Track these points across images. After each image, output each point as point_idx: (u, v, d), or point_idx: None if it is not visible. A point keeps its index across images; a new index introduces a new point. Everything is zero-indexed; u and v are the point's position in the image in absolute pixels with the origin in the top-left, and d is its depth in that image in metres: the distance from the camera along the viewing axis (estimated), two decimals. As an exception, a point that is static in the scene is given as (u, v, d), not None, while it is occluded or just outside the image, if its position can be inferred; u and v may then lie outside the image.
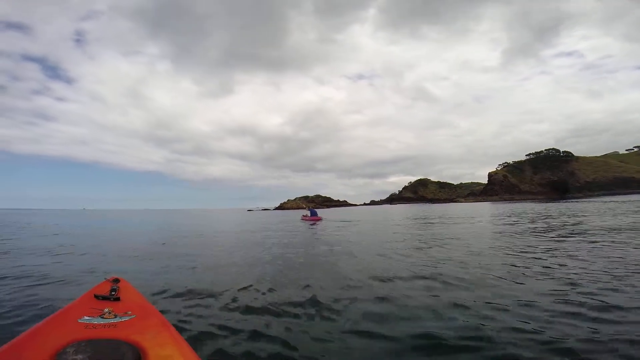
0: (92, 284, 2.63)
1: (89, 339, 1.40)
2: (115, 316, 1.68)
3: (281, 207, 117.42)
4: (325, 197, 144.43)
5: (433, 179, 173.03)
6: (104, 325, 1.57)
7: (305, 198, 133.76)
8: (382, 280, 4.27)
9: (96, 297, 1.93)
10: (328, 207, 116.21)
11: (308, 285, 4.04)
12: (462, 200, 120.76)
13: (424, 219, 19.54)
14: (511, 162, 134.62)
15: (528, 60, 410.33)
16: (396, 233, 11.32)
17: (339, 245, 8.18)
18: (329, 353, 2.31)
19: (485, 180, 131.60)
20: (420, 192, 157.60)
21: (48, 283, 4.34)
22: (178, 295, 3.71)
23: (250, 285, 4.07)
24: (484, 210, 29.92)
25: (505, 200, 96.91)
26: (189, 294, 3.74)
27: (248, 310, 3.13)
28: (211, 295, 3.67)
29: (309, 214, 22.81)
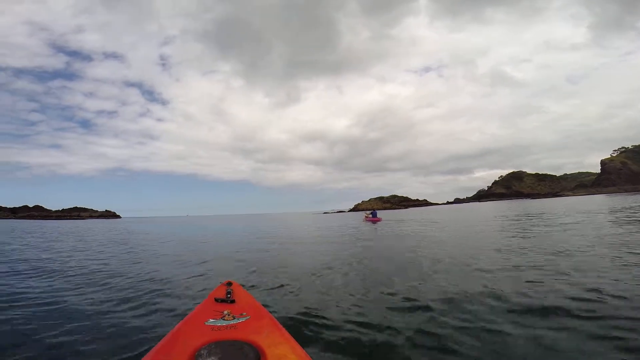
0: (208, 287, 4.07)
1: (217, 340, 1.53)
2: (234, 318, 1.80)
3: (355, 208, 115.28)
4: (402, 196, 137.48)
5: (528, 170, 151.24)
6: (226, 327, 1.69)
7: (380, 199, 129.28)
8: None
9: (216, 300, 2.08)
10: (406, 207, 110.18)
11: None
12: (570, 193, 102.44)
13: (525, 217, 15.81)
14: (630, 147, 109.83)
15: (625, 34, 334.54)
16: (486, 236, 8.65)
17: (414, 252, 6.49)
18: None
19: (596, 169, 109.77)
20: (515, 186, 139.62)
21: (175, 287, 4.55)
22: (280, 295, 3.84)
23: (341, 284, 4.27)
24: (602, 204, 23.45)
25: (626, 191, 79.45)
26: (289, 294, 3.86)
27: (347, 309, 3.18)
28: (309, 296, 3.75)
29: (371, 215, 25.86)
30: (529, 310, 2.90)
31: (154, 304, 3.65)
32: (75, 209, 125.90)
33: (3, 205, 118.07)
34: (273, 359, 1.41)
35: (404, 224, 18.08)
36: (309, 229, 18.10)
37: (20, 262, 6.98)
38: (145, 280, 4.97)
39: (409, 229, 13.74)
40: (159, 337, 1.70)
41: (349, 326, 2.75)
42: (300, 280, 4.65)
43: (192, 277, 5.20)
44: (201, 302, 2.11)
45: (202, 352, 1.42)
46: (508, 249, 6.34)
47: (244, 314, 1.85)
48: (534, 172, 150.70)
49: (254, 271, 5.55)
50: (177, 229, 24.20)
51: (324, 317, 2.97)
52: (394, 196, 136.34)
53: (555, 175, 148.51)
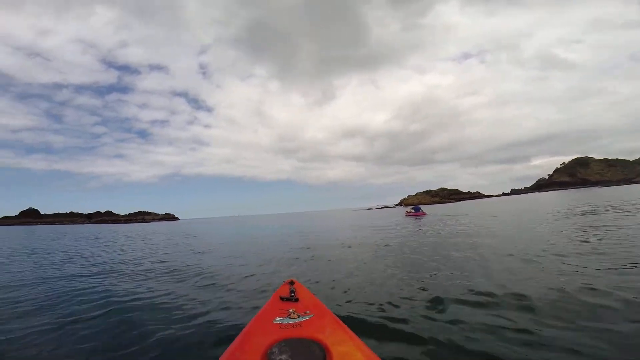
0: (271, 285, 4.40)
1: (285, 338, 1.56)
2: (299, 316, 1.83)
3: (402, 203, 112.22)
4: (451, 189, 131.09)
5: (595, 156, 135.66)
6: (293, 325, 1.72)
7: (428, 193, 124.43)
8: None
9: (281, 298, 2.14)
10: (456, 200, 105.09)
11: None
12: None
13: (606, 208, 13.91)
14: None
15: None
16: (562, 232, 7.80)
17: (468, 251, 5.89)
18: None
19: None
20: (581, 173, 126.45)
21: (241, 286, 4.71)
22: (339, 294, 3.85)
23: (393, 284, 4.17)
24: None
25: None
26: (345, 294, 3.84)
27: (397, 307, 3.19)
28: (365, 295, 3.73)
29: (413, 210, 25.66)
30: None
31: (226, 302, 3.84)
32: (140, 212, 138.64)
33: (80, 212, 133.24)
34: (339, 356, 1.43)
35: (454, 219, 17.09)
36: (350, 225, 17.73)
37: (98, 264, 7.68)
38: (214, 279, 5.18)
39: (459, 224, 12.92)
40: (235, 335, 1.77)
41: (402, 324, 2.79)
42: (348, 276, 4.83)
43: (255, 275, 5.43)
44: (267, 301, 2.18)
45: (273, 349, 1.46)
46: (599, 248, 5.61)
47: (308, 312, 1.90)
48: (601, 158, 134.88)
49: (306, 269, 5.76)
50: (231, 229, 25.25)
51: (380, 315, 3.01)
52: (443, 189, 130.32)
53: (629, 160, 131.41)
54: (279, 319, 1.81)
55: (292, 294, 2.17)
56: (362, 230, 14.57)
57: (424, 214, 23.90)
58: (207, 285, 4.89)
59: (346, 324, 1.82)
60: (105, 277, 5.91)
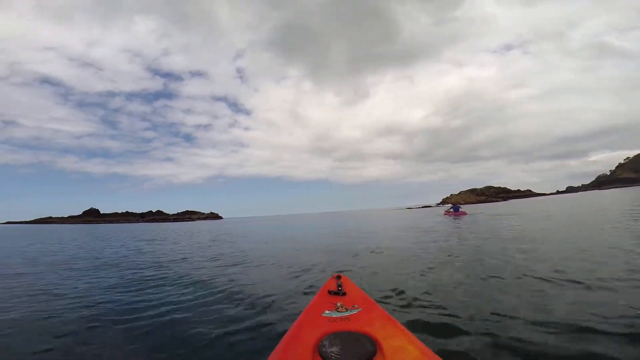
0: (317, 279, 4.61)
1: (335, 331, 1.57)
2: (347, 310, 1.84)
3: (444, 202, 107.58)
4: (498, 187, 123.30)
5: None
6: (341, 319, 1.74)
7: (473, 191, 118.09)
8: None
9: (329, 292, 2.17)
10: (504, 199, 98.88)
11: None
12: None
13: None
14: None
15: None
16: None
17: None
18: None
19: None
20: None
21: (291, 281, 4.87)
22: (384, 290, 3.82)
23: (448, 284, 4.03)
24: None
25: None
26: (391, 291, 3.80)
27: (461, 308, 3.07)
28: (408, 293, 3.67)
29: (452, 210, 25.28)
30: None
31: (275, 297, 3.92)
32: (187, 212, 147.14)
33: (134, 211, 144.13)
34: (390, 350, 1.41)
35: (502, 219, 15.94)
36: (388, 225, 17.28)
37: (154, 265, 8.10)
38: (262, 275, 5.22)
39: (507, 225, 11.94)
40: (286, 328, 1.83)
41: (452, 320, 2.79)
42: (392, 274, 4.83)
43: (300, 271, 5.57)
44: (315, 295, 2.23)
45: (324, 342, 1.48)
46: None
47: (356, 306, 1.91)
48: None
49: (348, 265, 5.83)
50: (272, 228, 25.79)
51: (429, 312, 3.01)
52: (489, 187, 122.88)
53: None
54: (327, 312, 1.84)
55: (340, 288, 2.20)
56: (399, 229, 14.37)
57: (464, 214, 23.20)
58: (255, 281, 4.95)
59: (396, 319, 1.79)
60: (160, 273, 6.20)
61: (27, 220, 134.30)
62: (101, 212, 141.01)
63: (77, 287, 5.07)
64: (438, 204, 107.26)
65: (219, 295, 4.21)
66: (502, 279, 4.06)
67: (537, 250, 6.06)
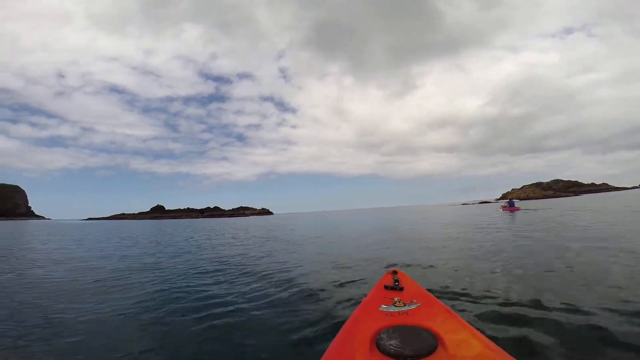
0: (375, 273, 4.58)
1: (392, 325, 1.56)
2: (405, 304, 1.81)
3: (505, 197, 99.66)
4: (568, 181, 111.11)
5: None
6: (399, 313, 1.72)
7: (538, 185, 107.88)
8: None
9: (385, 287, 2.14)
10: (576, 193, 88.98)
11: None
12: None
13: None
14: None
15: None
16: None
17: None
18: None
19: None
20: None
21: (345, 275, 4.90)
22: (445, 287, 3.74)
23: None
24: None
25: None
26: (450, 287, 3.73)
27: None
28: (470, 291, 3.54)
29: (508, 205, 25.25)
30: None
31: (330, 292, 3.96)
32: (241, 208, 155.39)
33: (194, 207, 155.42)
34: (452, 344, 1.37)
35: (572, 215, 14.35)
36: (442, 222, 16.37)
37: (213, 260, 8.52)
38: (316, 271, 5.26)
39: (579, 222, 10.59)
40: (342, 322, 1.85)
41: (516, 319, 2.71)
42: (449, 272, 4.70)
43: (354, 266, 5.57)
44: (371, 290, 2.21)
45: (382, 335, 1.46)
46: None
47: (414, 301, 1.88)
48: None
49: (401, 262, 5.72)
50: (322, 223, 26.06)
51: (490, 309, 2.92)
52: (557, 181, 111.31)
53: None
54: (384, 306, 1.82)
55: (397, 283, 2.18)
56: (449, 226, 13.88)
57: (518, 209, 24.06)
58: (308, 275, 5.00)
59: (457, 314, 1.74)
60: (221, 265, 6.51)
61: (105, 216, 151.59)
62: (166, 209, 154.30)
63: (158, 278, 5.53)
64: (498, 200, 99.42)
65: (274, 288, 4.30)
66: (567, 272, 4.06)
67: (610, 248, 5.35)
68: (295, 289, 4.11)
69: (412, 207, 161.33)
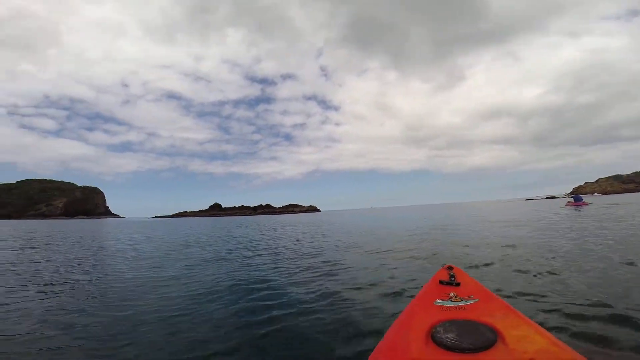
0: (425, 270, 4.61)
1: (449, 319, 1.54)
2: (461, 300, 1.80)
3: (575, 192, 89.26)
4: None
5: None
6: (456, 308, 1.71)
7: (617, 178, 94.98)
8: None
9: (440, 282, 2.14)
10: (666, 186, 77.11)
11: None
12: None
13: None
14: None
15: None
16: None
17: None
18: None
19: None
20: None
21: (398, 271, 5.01)
22: (504, 284, 3.70)
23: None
24: None
25: None
26: (510, 284, 3.69)
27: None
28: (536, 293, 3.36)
29: (573, 200, 24.80)
30: None
31: (383, 286, 4.07)
32: (290, 205, 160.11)
33: (248, 205, 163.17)
34: (513, 339, 1.34)
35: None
36: (496, 217, 15.29)
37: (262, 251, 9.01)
38: (366, 267, 5.33)
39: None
40: (395, 315, 1.98)
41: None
42: (507, 271, 4.52)
43: (406, 261, 5.72)
44: (425, 285, 2.21)
45: (438, 328, 1.46)
46: None
47: (472, 296, 1.85)
48: None
49: (453, 258, 5.67)
50: (371, 220, 25.77)
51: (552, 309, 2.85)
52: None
53: None
54: (439, 301, 1.82)
55: (452, 279, 2.17)
56: (511, 223, 13.01)
57: (585, 204, 23.21)
58: (359, 270, 5.14)
59: (518, 310, 1.69)
60: (276, 257, 6.88)
61: (169, 214, 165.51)
62: (222, 207, 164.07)
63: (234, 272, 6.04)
64: (567, 194, 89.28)
65: (327, 282, 4.49)
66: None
67: None
68: (348, 284, 4.25)
69: (468, 203, 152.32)
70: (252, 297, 3.87)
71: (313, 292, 3.93)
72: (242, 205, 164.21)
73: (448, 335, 1.38)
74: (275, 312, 3.24)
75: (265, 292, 4.06)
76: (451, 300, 1.81)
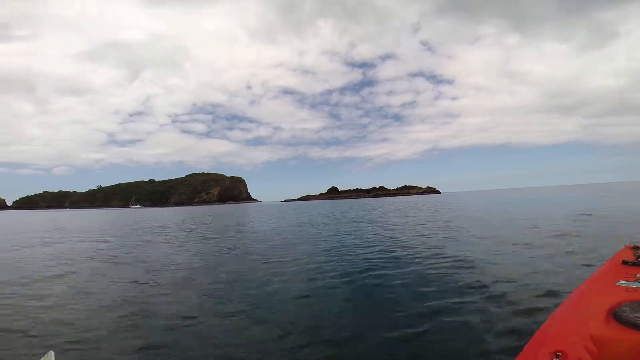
0: (608, 249, 3.92)
1: (636, 300, 1.45)
2: None
3: None
4: None
5: None
6: None
7: None
8: None
9: (623, 262, 1.99)
10: None
11: None
12: None
13: None
14: None
15: None
16: None
17: None
18: None
19: None
20: None
21: (573, 249, 5.51)
22: None
23: None
24: None
25: None
26: None
27: None
28: None
29: None
30: None
31: (556, 263, 4.31)
32: (405, 187, 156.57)
33: (362, 188, 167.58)
34: None
35: None
36: None
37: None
38: (515, 259, 5.26)
39: None
40: (566, 293, 1.91)
41: None
42: None
43: (577, 237, 5.78)
44: (604, 264, 2.06)
45: (624, 308, 1.36)
46: None
47: None
48: None
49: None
50: (507, 204, 23.49)
51: None
52: None
53: None
54: (623, 282, 1.68)
55: (639, 259, 1.97)
56: None
57: None
58: (506, 267, 4.87)
59: None
60: (398, 244, 7.24)
61: (295, 198, 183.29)
62: (339, 190, 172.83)
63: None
64: None
65: (466, 269, 4.69)
66: None
67: None
68: (494, 278, 4.13)
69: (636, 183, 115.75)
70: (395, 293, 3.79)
71: (463, 275, 4.17)
72: (357, 188, 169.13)
73: (637, 315, 1.30)
74: (430, 303, 3.26)
75: (424, 288, 3.88)
76: (638, 282, 1.67)
